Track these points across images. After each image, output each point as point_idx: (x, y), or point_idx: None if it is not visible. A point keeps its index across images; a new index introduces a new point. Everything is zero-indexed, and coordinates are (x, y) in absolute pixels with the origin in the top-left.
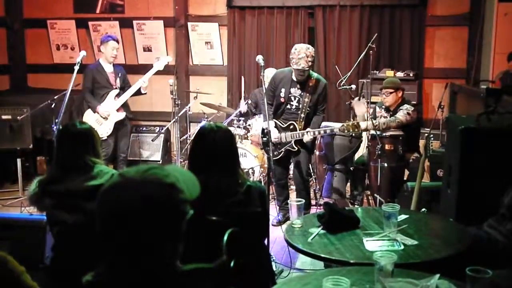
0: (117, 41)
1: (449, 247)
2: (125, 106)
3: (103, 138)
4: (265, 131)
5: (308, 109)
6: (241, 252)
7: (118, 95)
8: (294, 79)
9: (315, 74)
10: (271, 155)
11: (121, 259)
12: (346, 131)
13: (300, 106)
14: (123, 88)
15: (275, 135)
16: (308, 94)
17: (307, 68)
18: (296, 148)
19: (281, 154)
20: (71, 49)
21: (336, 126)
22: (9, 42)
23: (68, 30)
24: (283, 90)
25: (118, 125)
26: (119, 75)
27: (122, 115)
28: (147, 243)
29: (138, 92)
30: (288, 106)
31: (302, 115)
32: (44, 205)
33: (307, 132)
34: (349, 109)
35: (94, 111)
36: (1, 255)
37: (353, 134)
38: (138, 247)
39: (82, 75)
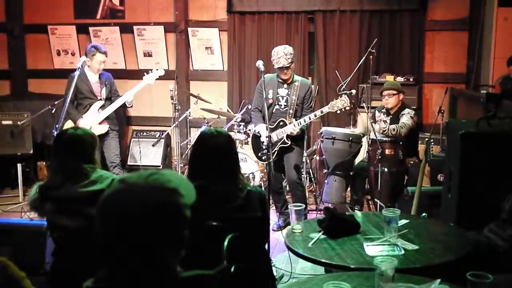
0: (105, 54)
1: (450, 252)
2: (109, 118)
3: None
4: (261, 137)
5: (296, 106)
6: (241, 257)
7: (102, 107)
8: (281, 80)
9: (299, 78)
10: (271, 160)
11: (122, 264)
12: (335, 108)
13: (288, 104)
14: (110, 98)
15: (266, 137)
16: (295, 91)
17: (288, 65)
18: (289, 143)
19: (275, 155)
20: (71, 54)
21: (325, 108)
22: (10, 48)
23: (69, 36)
24: (270, 92)
25: (101, 137)
26: (106, 85)
27: (104, 128)
28: (148, 248)
29: (123, 105)
30: (277, 107)
31: (291, 111)
32: (44, 210)
33: (293, 123)
34: (349, 114)
35: (75, 124)
36: (1, 261)
37: (345, 109)
38: (140, 253)
39: (66, 83)
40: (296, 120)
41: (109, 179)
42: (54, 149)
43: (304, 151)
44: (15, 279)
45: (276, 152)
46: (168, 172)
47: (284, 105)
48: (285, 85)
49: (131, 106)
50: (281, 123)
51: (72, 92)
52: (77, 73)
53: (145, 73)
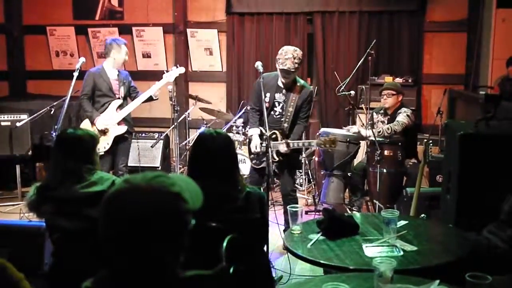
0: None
1: (449, 253)
2: (127, 120)
3: (101, 154)
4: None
5: (292, 117)
6: (240, 258)
7: (121, 106)
8: (280, 84)
9: (301, 81)
10: (270, 161)
11: (121, 265)
12: (322, 145)
13: (284, 113)
14: (127, 97)
15: (257, 146)
16: (292, 102)
17: (293, 70)
18: (277, 159)
19: (262, 164)
20: (70, 55)
21: (313, 142)
22: (9, 49)
23: (68, 37)
24: (268, 94)
25: (118, 139)
26: (124, 83)
27: (123, 129)
28: (148, 250)
29: (149, 99)
30: (272, 112)
31: (286, 125)
32: (43, 211)
33: (284, 142)
34: (348, 115)
35: (92, 123)
36: (0, 263)
37: (330, 150)
38: (139, 254)
39: (83, 80)
40: (289, 138)
41: (109, 180)
42: (53, 149)
43: (303, 153)
44: (13, 280)
45: (264, 162)
46: (176, 176)
47: (279, 112)
48: (284, 91)
49: (157, 99)
50: (273, 136)
51: (88, 88)
52: (76, 74)
53: (164, 71)
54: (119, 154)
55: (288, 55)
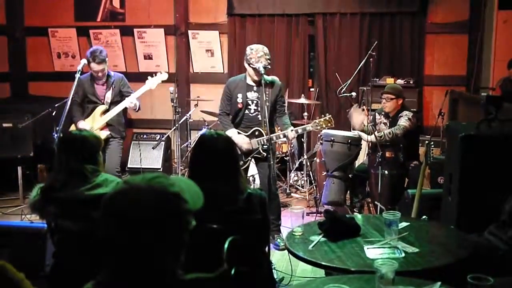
0: (102, 62)
1: (450, 255)
2: (111, 125)
3: None
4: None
5: (270, 112)
6: (241, 260)
7: (105, 112)
8: (250, 83)
9: (269, 78)
10: (271, 162)
11: (122, 267)
12: (319, 127)
13: (259, 109)
14: (117, 102)
15: (246, 143)
16: (266, 97)
17: (269, 66)
18: (264, 154)
19: (246, 164)
20: (72, 57)
21: (308, 126)
22: (10, 50)
23: (69, 38)
24: (239, 95)
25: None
26: (113, 87)
27: (104, 134)
28: (149, 251)
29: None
30: (247, 111)
31: (265, 119)
32: (47, 212)
33: (291, 130)
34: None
35: (75, 125)
36: (0, 264)
37: (325, 129)
38: (140, 256)
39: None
40: (271, 131)
41: (114, 182)
42: (57, 149)
43: (305, 154)
44: (14, 281)
45: (249, 161)
46: (175, 177)
47: (254, 109)
48: (255, 88)
49: (138, 110)
50: (256, 133)
51: (77, 94)
52: (77, 75)
53: (149, 77)
54: (107, 160)
55: (260, 53)
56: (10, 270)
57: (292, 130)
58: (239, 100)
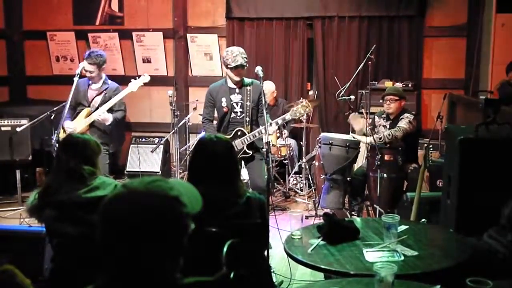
0: (91, 63)
1: (449, 258)
2: (99, 130)
3: None
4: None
5: (252, 110)
6: (240, 264)
7: (89, 115)
8: (231, 85)
9: (249, 80)
10: (270, 166)
11: (121, 271)
12: (298, 114)
13: (243, 110)
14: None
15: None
16: (248, 97)
17: (245, 64)
18: (250, 153)
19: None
20: (70, 60)
21: (287, 115)
22: (9, 54)
23: (68, 42)
24: (223, 99)
25: None
26: (105, 94)
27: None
28: (147, 255)
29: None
30: (233, 115)
31: (247, 119)
32: (45, 216)
33: (270, 124)
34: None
35: (62, 127)
36: (9, 269)
37: (307, 114)
38: (139, 260)
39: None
40: (252, 130)
41: (112, 185)
42: (58, 151)
43: (304, 157)
44: (22, 286)
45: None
46: (174, 180)
47: (240, 111)
48: (237, 90)
49: (110, 124)
50: (239, 133)
51: (73, 97)
52: (76, 79)
53: (132, 79)
54: None
55: (235, 53)
56: (19, 275)
57: (271, 124)
58: (224, 104)
